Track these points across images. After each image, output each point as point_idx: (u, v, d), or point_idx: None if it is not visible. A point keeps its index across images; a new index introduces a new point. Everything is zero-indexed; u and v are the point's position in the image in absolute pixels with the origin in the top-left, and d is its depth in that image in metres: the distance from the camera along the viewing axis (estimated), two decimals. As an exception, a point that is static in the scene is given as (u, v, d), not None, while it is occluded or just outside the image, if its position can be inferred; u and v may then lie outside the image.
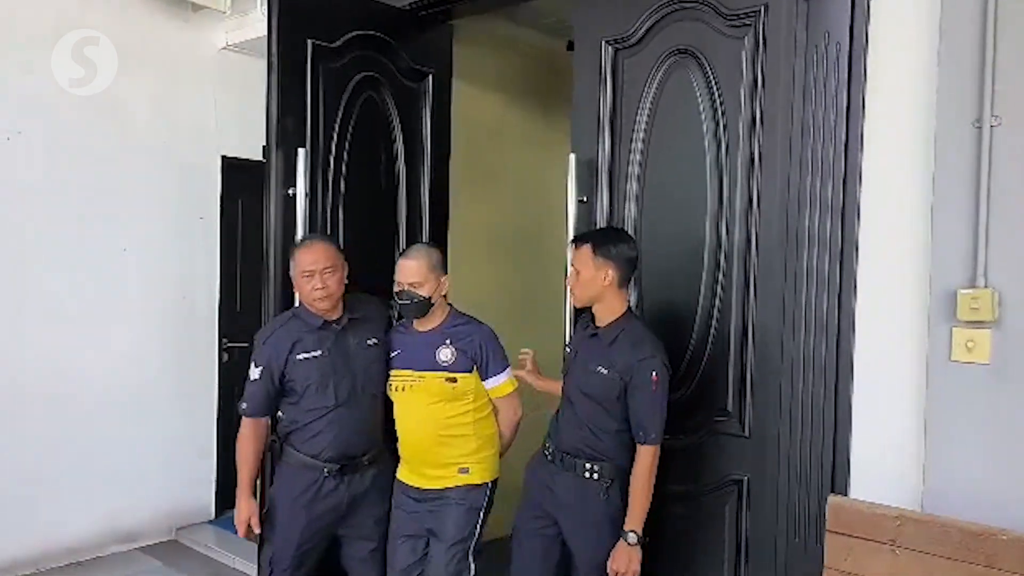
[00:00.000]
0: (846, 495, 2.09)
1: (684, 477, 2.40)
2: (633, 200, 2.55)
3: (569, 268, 2.33)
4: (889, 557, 1.82)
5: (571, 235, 2.60)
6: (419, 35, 3.27)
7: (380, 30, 3.10)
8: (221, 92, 4.05)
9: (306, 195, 2.83)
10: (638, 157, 2.53)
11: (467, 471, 2.44)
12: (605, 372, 2.21)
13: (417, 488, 2.48)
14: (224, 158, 4.09)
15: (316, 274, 2.40)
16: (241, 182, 4.10)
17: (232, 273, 4.17)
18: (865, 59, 2.08)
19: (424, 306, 2.42)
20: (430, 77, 3.29)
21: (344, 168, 3.02)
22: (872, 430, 2.09)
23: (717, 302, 2.37)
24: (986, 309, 1.83)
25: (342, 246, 2.97)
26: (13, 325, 3.46)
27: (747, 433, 2.29)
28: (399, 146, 3.21)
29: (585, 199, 2.61)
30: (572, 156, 2.61)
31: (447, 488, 2.44)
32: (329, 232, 2.98)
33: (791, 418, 2.20)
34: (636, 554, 2.16)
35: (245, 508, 2.45)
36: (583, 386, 2.27)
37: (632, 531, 2.16)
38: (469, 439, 2.45)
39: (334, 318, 2.49)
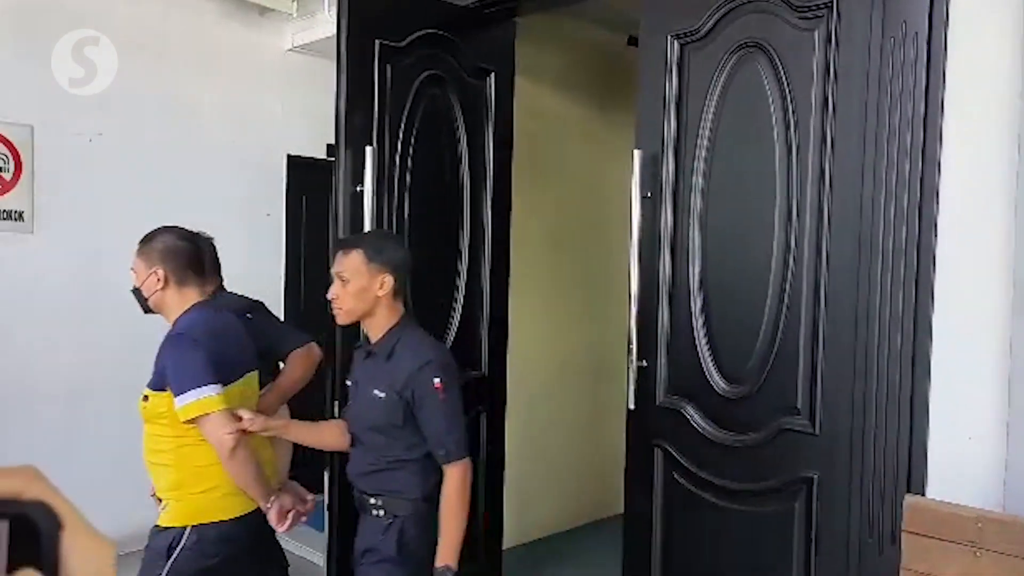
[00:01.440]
0: (923, 495, 2.04)
1: (751, 475, 2.38)
2: (699, 195, 2.52)
3: (334, 279, 2.00)
4: (970, 559, 1.77)
5: (636, 231, 2.59)
6: (483, 33, 3.30)
7: (446, 29, 3.14)
8: (287, 92, 4.16)
9: (373, 192, 2.89)
10: (704, 152, 2.50)
11: (165, 508, 2.06)
12: (383, 395, 1.92)
13: None
14: (289, 156, 4.20)
15: None
16: (305, 179, 4.22)
17: (296, 270, 4.27)
18: (945, 49, 2.02)
19: (137, 298, 2.11)
20: (493, 74, 3.32)
21: (410, 165, 3.07)
22: (950, 428, 2.03)
23: (786, 297, 2.33)
24: (1075, 305, 1.77)
25: (407, 242, 3.04)
26: (92, 320, 3.61)
27: (817, 431, 2.25)
28: (463, 143, 3.24)
29: (650, 195, 2.60)
30: (637, 152, 2.60)
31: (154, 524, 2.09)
32: (395, 228, 3.03)
33: (864, 415, 2.15)
34: None
35: None
36: (366, 419, 1.98)
37: (446, 566, 1.86)
38: (169, 470, 2.06)
39: None
